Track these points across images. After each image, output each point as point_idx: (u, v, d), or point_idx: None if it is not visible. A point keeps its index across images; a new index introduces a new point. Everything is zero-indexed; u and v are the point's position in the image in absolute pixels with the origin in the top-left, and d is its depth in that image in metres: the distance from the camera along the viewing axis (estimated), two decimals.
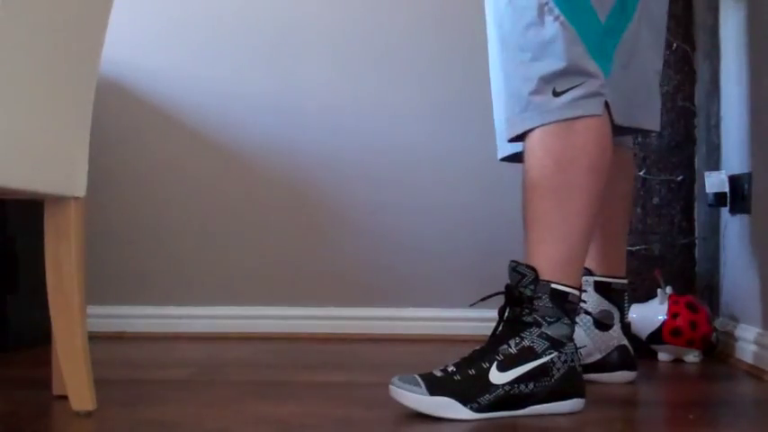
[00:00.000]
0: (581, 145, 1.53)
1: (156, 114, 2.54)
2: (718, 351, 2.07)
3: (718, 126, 2.21)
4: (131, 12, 2.46)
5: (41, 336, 1.77)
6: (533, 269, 1.50)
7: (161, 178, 2.55)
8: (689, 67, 2.20)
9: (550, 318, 1.49)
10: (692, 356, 2.03)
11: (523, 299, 1.49)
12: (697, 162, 2.24)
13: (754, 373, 1.88)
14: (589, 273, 1.80)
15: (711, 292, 2.21)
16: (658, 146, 2.17)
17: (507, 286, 1.52)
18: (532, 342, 1.48)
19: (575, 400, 1.51)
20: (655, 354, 2.07)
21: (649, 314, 2.04)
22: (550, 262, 1.51)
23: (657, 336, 2.02)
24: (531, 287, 1.49)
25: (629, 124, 1.64)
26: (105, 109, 2.35)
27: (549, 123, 1.53)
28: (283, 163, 2.53)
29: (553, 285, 1.49)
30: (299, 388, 1.73)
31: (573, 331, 1.53)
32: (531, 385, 1.46)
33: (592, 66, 1.54)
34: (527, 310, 1.49)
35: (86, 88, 1.48)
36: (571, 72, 1.53)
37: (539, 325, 1.48)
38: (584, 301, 1.75)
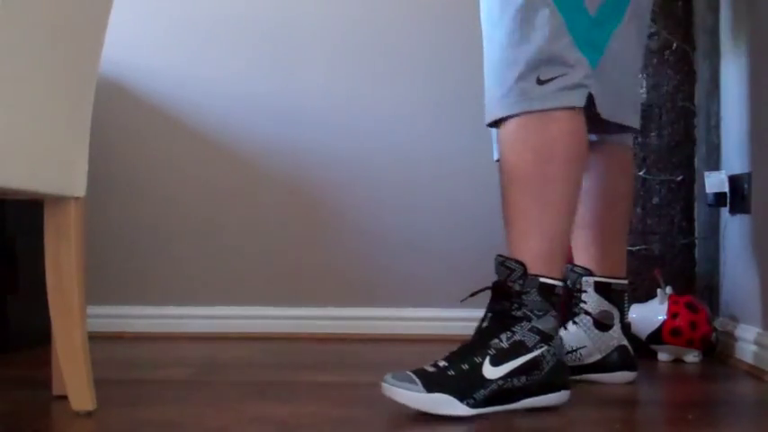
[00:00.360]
0: (558, 136, 1.54)
1: (156, 114, 2.55)
2: (717, 351, 2.07)
3: (718, 126, 2.21)
4: (131, 12, 2.47)
5: (41, 336, 1.77)
6: (522, 264, 1.50)
7: (161, 178, 2.55)
8: (689, 67, 2.20)
9: (539, 311, 1.50)
10: (691, 356, 2.03)
11: (512, 293, 1.50)
12: (697, 162, 2.24)
13: (753, 373, 1.88)
14: (589, 273, 1.80)
15: (711, 292, 2.21)
16: (658, 146, 2.17)
17: (495, 281, 1.53)
18: (523, 336, 1.49)
19: (562, 392, 1.52)
20: (655, 354, 2.07)
21: (649, 314, 2.04)
22: (536, 256, 1.51)
23: (657, 336, 2.02)
24: (520, 282, 1.50)
25: (615, 119, 1.65)
26: (105, 109, 2.35)
27: (531, 112, 1.53)
28: (283, 163, 2.53)
29: (541, 279, 1.50)
30: (299, 388, 1.73)
31: (560, 324, 1.55)
32: (523, 379, 1.47)
33: (577, 56, 1.54)
34: (516, 305, 1.50)
35: (86, 88, 1.48)
36: (555, 61, 1.53)
37: (528, 319, 1.49)
38: (585, 302, 1.75)
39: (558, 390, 1.52)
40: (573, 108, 1.54)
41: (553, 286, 1.52)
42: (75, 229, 1.45)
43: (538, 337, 1.49)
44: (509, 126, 1.56)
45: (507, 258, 1.52)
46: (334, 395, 1.65)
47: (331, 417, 1.47)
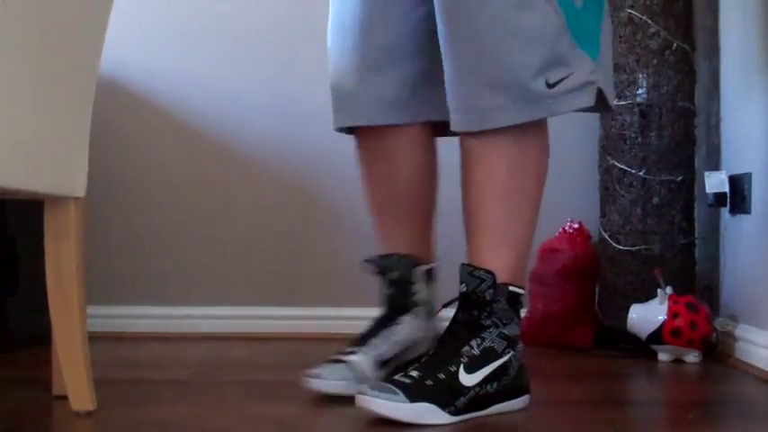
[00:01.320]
0: (534, 151, 1.53)
1: (156, 114, 2.54)
2: (718, 351, 2.07)
3: (718, 126, 2.21)
4: (131, 11, 2.46)
5: (41, 336, 1.77)
6: (491, 273, 1.49)
7: (161, 178, 2.55)
8: (689, 67, 2.20)
9: (506, 319, 1.49)
10: (691, 356, 2.03)
11: (483, 302, 1.48)
12: (697, 162, 2.24)
13: (753, 373, 1.88)
14: (416, 263, 1.73)
15: (711, 292, 2.21)
16: (658, 146, 2.17)
17: (464, 292, 1.50)
18: (492, 342, 1.48)
19: (525, 396, 1.53)
20: (655, 354, 2.07)
21: (649, 314, 2.04)
22: (505, 266, 1.50)
23: (657, 336, 2.02)
24: (491, 291, 1.48)
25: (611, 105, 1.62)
26: (105, 109, 2.35)
27: (536, 120, 1.49)
28: (283, 162, 2.53)
29: (510, 288, 1.50)
30: (299, 388, 1.73)
31: (521, 330, 1.55)
32: (495, 384, 1.46)
33: (578, 53, 1.48)
34: (486, 313, 1.48)
35: (86, 88, 1.48)
36: (561, 62, 1.46)
37: (497, 326, 1.49)
38: (418, 292, 1.73)
39: (522, 394, 1.52)
40: (544, 122, 1.53)
41: (519, 295, 1.52)
42: (75, 229, 1.45)
43: (505, 343, 1.49)
44: (495, 137, 1.49)
45: (476, 268, 1.49)
46: (335, 395, 1.64)
47: (331, 417, 1.47)
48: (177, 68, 2.54)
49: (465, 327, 1.49)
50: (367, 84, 1.67)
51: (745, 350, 1.96)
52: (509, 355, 1.49)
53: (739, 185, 2.05)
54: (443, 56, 1.52)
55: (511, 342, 1.50)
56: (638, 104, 2.17)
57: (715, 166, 2.21)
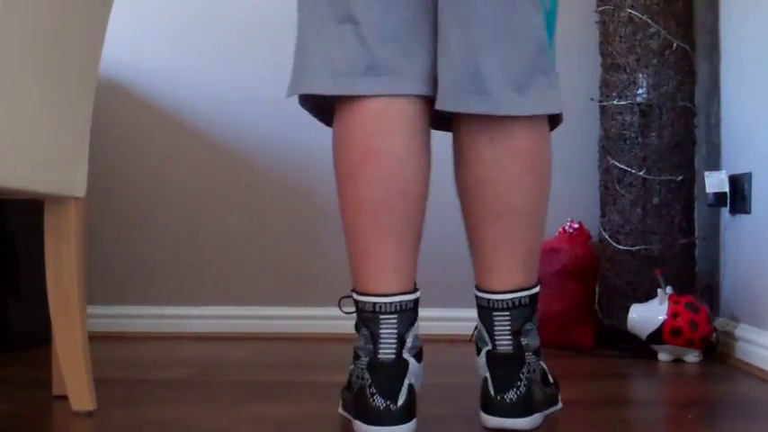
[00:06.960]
0: None
1: (156, 114, 2.55)
2: (718, 351, 2.07)
3: (718, 126, 2.21)
4: (131, 12, 2.46)
5: (42, 336, 1.77)
6: None
7: (161, 178, 2.55)
8: (689, 67, 2.20)
9: None
10: (692, 356, 2.03)
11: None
12: (697, 162, 2.24)
13: (753, 373, 1.88)
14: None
15: (711, 292, 2.21)
16: (658, 146, 2.17)
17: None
18: None
19: None
20: (655, 354, 2.07)
21: (649, 314, 2.04)
22: None
23: (657, 336, 2.02)
24: None
25: None
26: (105, 109, 2.35)
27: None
28: (283, 163, 2.53)
29: None
30: (299, 388, 1.73)
31: None
32: None
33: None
34: None
35: (86, 88, 1.48)
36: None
37: None
38: None
39: None
40: None
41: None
42: (76, 229, 1.46)
43: None
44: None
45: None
46: (334, 395, 1.64)
47: (330, 417, 1.47)
48: (177, 68, 2.54)
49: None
50: None
51: (745, 350, 1.96)
52: None
53: (739, 185, 2.05)
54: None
55: None
56: (638, 104, 2.17)
57: (715, 165, 2.21)
